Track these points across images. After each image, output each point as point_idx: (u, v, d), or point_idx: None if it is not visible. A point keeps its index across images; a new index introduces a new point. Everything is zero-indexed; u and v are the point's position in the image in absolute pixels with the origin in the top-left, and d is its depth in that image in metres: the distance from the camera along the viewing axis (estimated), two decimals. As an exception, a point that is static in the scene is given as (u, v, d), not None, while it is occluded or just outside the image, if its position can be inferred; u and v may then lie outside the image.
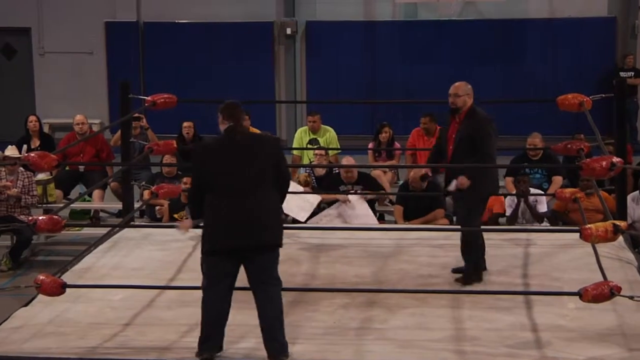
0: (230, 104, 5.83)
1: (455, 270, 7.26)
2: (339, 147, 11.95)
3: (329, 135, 11.90)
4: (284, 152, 6.04)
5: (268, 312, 5.63)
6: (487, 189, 7.25)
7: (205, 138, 12.12)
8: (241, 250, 5.61)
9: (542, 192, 9.95)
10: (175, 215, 10.10)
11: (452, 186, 7.00)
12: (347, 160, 10.71)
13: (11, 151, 10.38)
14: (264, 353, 5.65)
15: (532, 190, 9.82)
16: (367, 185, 10.38)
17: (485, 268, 7.29)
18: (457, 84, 7.10)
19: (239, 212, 5.58)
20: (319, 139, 11.82)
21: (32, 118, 12.14)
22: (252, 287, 5.69)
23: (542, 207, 9.78)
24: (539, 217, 9.69)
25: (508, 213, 9.91)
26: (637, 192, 9.59)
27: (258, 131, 11.81)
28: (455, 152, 7.03)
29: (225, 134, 5.74)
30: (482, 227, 8.15)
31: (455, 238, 7.58)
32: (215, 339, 5.70)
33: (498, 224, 9.94)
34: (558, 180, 10.73)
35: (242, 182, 5.62)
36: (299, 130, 12.33)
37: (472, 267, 7.13)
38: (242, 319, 6.29)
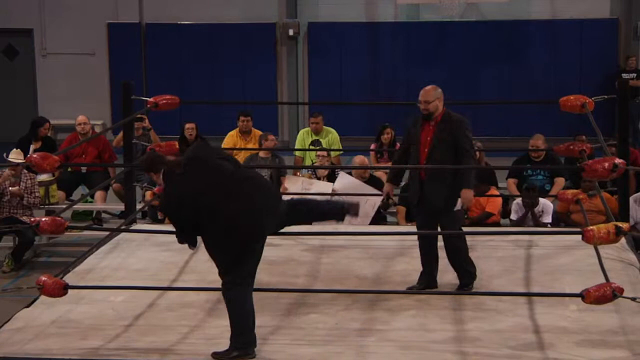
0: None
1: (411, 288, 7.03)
2: (341, 148, 11.95)
3: (331, 137, 11.91)
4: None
5: None
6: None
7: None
8: None
9: (551, 204, 9.92)
10: None
11: (459, 205, 6.95)
12: (360, 159, 10.74)
13: (15, 155, 10.37)
14: (264, 354, 5.64)
15: (542, 201, 9.81)
16: (375, 186, 10.37)
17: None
18: (426, 88, 7.01)
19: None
20: (321, 140, 11.83)
21: (47, 125, 12.15)
22: None
23: (547, 218, 9.79)
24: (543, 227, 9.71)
25: (514, 218, 9.90)
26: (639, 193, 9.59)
27: (259, 132, 11.84)
28: (431, 155, 6.89)
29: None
30: (486, 230, 8.16)
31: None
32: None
33: (500, 226, 9.95)
34: (560, 181, 10.73)
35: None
36: (301, 132, 12.34)
37: (466, 271, 7.06)
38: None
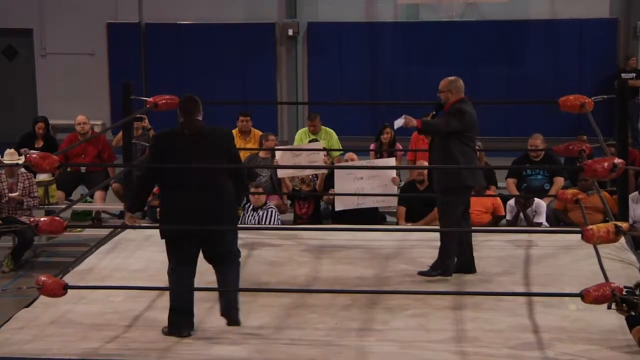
0: (185, 98, 6.23)
1: (421, 273, 7.32)
2: (340, 148, 11.95)
3: (330, 139, 11.92)
4: (235, 145, 6.37)
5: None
6: (463, 180, 7.25)
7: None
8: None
9: (544, 204, 9.97)
10: None
11: (398, 123, 7.22)
12: (349, 156, 10.78)
13: (10, 156, 10.36)
14: (264, 354, 5.65)
15: (536, 201, 9.87)
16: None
17: (474, 270, 7.34)
18: (443, 80, 7.45)
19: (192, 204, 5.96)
20: (319, 139, 11.83)
21: (40, 125, 12.18)
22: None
23: (540, 218, 9.81)
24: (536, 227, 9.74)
25: (509, 218, 9.93)
26: (637, 192, 9.59)
27: (260, 132, 11.85)
28: (433, 141, 7.42)
29: (177, 128, 6.11)
30: (483, 227, 8.13)
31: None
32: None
33: (499, 226, 9.96)
34: (560, 181, 10.75)
35: (193, 176, 5.98)
36: (299, 132, 12.35)
37: (443, 262, 7.21)
38: (242, 320, 6.31)
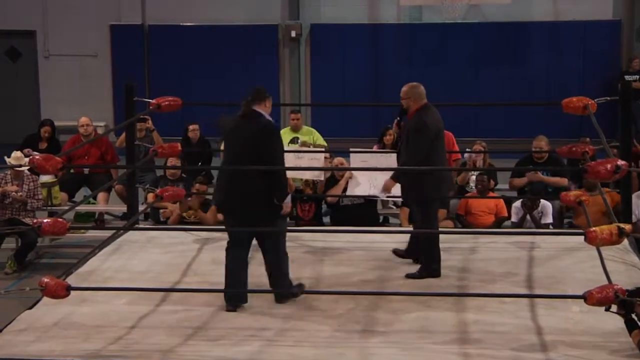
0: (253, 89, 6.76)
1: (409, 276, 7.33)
2: (325, 144, 11.95)
3: (314, 137, 11.94)
4: (272, 139, 6.63)
5: None
6: (433, 192, 7.29)
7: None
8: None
9: (550, 205, 9.95)
10: (185, 214, 10.10)
11: (381, 193, 7.20)
12: (338, 160, 10.78)
13: (16, 159, 10.37)
14: (266, 356, 5.65)
15: (541, 202, 9.85)
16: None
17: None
18: (404, 86, 7.37)
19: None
20: (300, 137, 11.84)
21: (46, 129, 12.20)
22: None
23: (547, 219, 9.80)
24: (544, 228, 9.72)
25: (514, 220, 9.92)
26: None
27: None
28: (401, 150, 7.39)
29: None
30: (485, 229, 8.11)
31: (461, 241, 7.58)
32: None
33: (502, 227, 9.95)
34: (563, 182, 10.72)
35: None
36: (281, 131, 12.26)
37: (427, 265, 7.28)
38: (245, 322, 6.31)
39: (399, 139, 7.48)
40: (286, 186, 6.61)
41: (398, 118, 7.39)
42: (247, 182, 6.50)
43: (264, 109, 6.73)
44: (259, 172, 6.45)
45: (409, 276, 7.31)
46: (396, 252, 7.69)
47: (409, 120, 7.30)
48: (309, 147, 11.38)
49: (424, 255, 7.36)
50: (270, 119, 6.79)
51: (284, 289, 6.66)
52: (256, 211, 6.50)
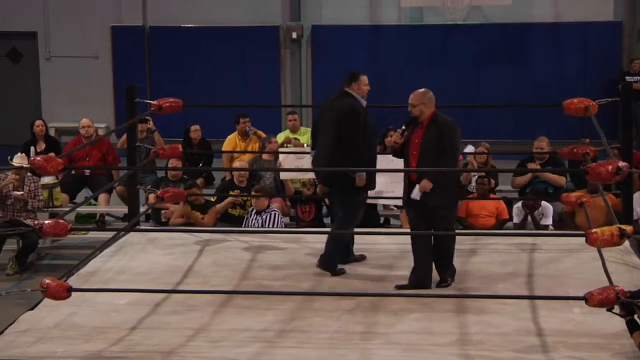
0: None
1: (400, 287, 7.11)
2: None
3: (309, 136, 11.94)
4: (349, 120, 7.45)
5: None
6: (457, 194, 7.25)
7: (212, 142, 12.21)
8: None
9: (551, 207, 9.96)
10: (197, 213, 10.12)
11: (416, 194, 6.99)
12: None
13: (20, 159, 10.39)
14: (268, 357, 5.64)
15: (542, 204, 9.86)
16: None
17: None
18: (413, 94, 7.24)
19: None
20: (299, 138, 11.85)
21: (38, 122, 12.22)
22: None
23: (548, 221, 9.80)
24: (543, 229, 9.72)
25: (516, 221, 9.92)
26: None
27: (263, 134, 11.82)
28: (421, 157, 7.06)
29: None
30: (487, 231, 8.09)
31: (462, 243, 7.57)
32: None
33: (504, 229, 9.95)
34: (562, 182, 10.73)
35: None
36: (279, 135, 12.24)
37: (450, 271, 7.14)
38: (247, 323, 6.32)
39: (402, 147, 7.30)
40: (358, 162, 7.25)
41: (404, 128, 7.21)
42: (327, 159, 7.37)
43: (356, 91, 7.78)
44: (337, 148, 7.27)
45: (441, 284, 7.12)
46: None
47: (429, 125, 7.06)
48: (303, 146, 11.38)
49: (448, 260, 7.14)
50: (360, 99, 7.81)
51: (330, 259, 7.44)
52: (335, 183, 7.49)
